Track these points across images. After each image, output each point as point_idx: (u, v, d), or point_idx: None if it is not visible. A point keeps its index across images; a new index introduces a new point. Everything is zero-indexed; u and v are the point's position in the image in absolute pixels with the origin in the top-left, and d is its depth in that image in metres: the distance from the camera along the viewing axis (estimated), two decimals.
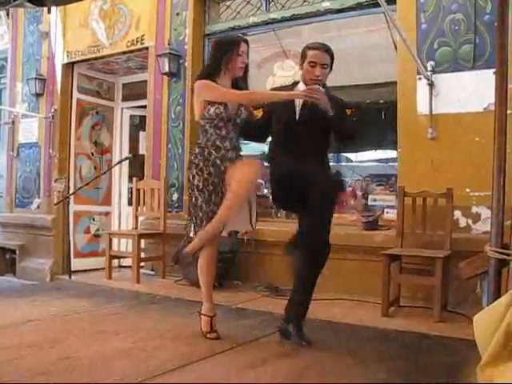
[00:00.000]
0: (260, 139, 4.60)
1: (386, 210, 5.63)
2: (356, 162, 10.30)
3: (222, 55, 3.90)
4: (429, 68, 5.09)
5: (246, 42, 3.98)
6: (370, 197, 5.93)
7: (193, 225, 3.89)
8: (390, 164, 7.88)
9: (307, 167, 3.66)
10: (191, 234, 3.90)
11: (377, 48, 6.25)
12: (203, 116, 3.86)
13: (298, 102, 3.91)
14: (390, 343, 3.79)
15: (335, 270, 5.40)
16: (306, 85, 3.83)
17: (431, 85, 5.08)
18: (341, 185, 4.10)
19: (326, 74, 3.91)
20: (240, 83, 3.99)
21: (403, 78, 5.32)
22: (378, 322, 4.35)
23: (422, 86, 5.15)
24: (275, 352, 3.48)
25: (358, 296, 5.11)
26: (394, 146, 5.98)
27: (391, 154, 6.96)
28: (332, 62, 3.91)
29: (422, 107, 5.15)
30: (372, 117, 7.91)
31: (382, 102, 7.62)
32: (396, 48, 5.59)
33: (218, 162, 3.80)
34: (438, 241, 4.80)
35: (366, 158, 10.34)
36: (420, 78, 5.15)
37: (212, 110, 3.81)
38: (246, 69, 4.01)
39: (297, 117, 3.89)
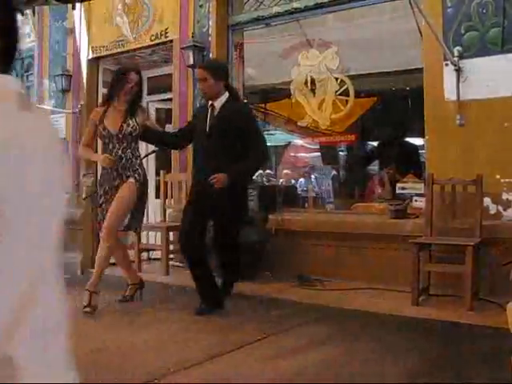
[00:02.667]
0: (173, 147, 5.77)
1: (414, 198, 5.58)
2: (382, 149, 10.19)
3: (114, 85, 4.78)
4: (456, 53, 5.01)
5: (137, 71, 4.79)
6: (397, 185, 5.88)
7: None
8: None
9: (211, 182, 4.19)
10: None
11: (401, 34, 6.18)
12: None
13: (210, 115, 4.41)
14: (421, 332, 3.78)
15: (363, 259, 5.41)
16: None
17: (458, 70, 5.00)
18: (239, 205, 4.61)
19: (209, 85, 4.43)
20: (132, 105, 4.72)
21: (429, 64, 5.26)
22: (407, 310, 4.32)
23: (448, 72, 5.08)
24: (306, 342, 3.49)
25: (386, 285, 5.08)
26: (420, 133, 5.91)
27: (418, 141, 6.87)
28: (214, 72, 4.44)
29: (450, 93, 5.08)
30: (397, 104, 7.83)
31: (407, 88, 7.55)
32: (421, 34, 5.52)
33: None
34: (467, 228, 4.74)
35: (392, 146, 10.23)
36: (447, 64, 5.07)
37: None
38: (138, 93, 4.82)
39: (207, 129, 4.36)
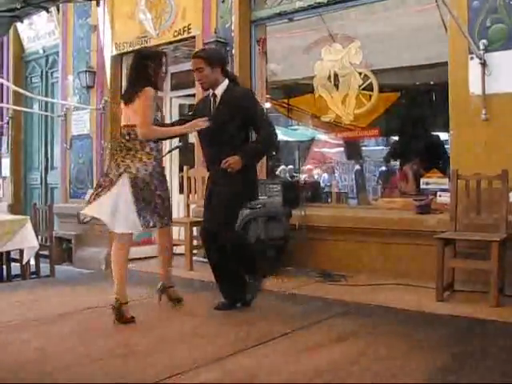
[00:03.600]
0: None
1: (438, 194, 5.54)
2: (406, 144, 10.13)
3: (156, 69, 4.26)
4: (481, 47, 4.95)
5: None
6: (421, 180, 5.84)
7: None
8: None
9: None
10: None
11: (426, 28, 6.11)
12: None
13: (212, 104, 4.31)
14: (446, 328, 3.75)
15: (388, 255, 5.39)
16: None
17: (484, 64, 4.95)
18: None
19: (206, 75, 4.28)
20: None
21: (454, 58, 5.21)
22: (432, 306, 4.30)
23: (474, 66, 5.02)
24: (330, 337, 3.49)
25: (411, 281, 5.05)
26: (444, 128, 5.87)
27: (442, 136, 6.83)
28: (209, 60, 4.28)
29: (475, 87, 5.02)
30: (421, 99, 7.77)
31: (431, 83, 7.49)
32: (446, 27, 5.47)
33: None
34: (492, 224, 4.70)
35: (415, 141, 10.16)
36: (472, 58, 5.02)
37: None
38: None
39: (212, 118, 4.20)
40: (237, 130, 4.19)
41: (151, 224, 4.01)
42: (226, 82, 4.33)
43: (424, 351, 3.20)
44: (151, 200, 3.96)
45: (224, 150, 4.09)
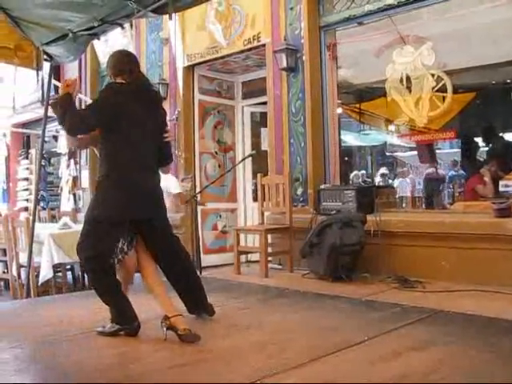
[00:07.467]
0: None
1: None
2: (482, 146, 9.88)
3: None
4: None
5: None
6: (500, 182, 5.67)
7: None
8: None
9: None
10: None
11: (501, 24, 5.94)
12: None
13: None
14: None
15: (466, 260, 5.24)
16: None
17: None
18: None
19: None
20: None
21: None
22: None
23: None
24: (407, 345, 3.42)
25: (491, 287, 4.89)
26: None
27: None
28: None
29: None
30: (498, 99, 7.55)
31: (508, 81, 7.26)
32: None
33: None
34: None
35: (492, 143, 9.87)
36: None
37: None
38: None
39: None
40: None
41: None
42: None
43: (507, 362, 3.08)
44: None
45: None
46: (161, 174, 4.12)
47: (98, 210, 3.77)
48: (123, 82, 3.88)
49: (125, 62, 3.99)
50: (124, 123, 3.75)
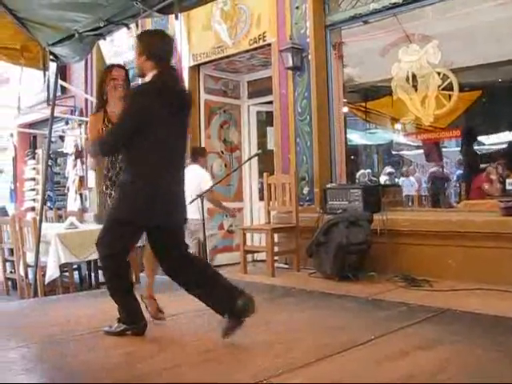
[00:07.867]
0: None
1: None
2: (488, 144, 9.86)
3: (101, 85, 4.47)
4: None
5: (120, 66, 4.59)
6: (507, 181, 5.65)
7: None
8: None
9: None
10: None
11: (507, 22, 5.92)
12: None
13: None
14: None
15: (473, 259, 5.23)
16: None
17: None
18: None
19: None
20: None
21: None
22: None
23: None
24: (414, 344, 3.41)
25: (498, 285, 4.88)
26: None
27: None
28: None
29: None
30: (504, 97, 7.52)
31: None
32: None
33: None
34: None
35: (498, 141, 9.86)
36: None
37: None
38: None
39: None
40: None
41: None
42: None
43: None
44: None
45: None
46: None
47: (122, 213, 3.69)
48: (149, 81, 3.69)
49: (158, 46, 3.73)
50: (151, 127, 3.60)
